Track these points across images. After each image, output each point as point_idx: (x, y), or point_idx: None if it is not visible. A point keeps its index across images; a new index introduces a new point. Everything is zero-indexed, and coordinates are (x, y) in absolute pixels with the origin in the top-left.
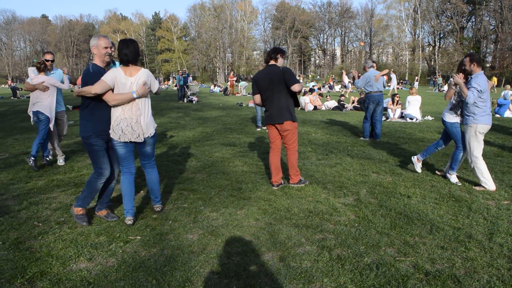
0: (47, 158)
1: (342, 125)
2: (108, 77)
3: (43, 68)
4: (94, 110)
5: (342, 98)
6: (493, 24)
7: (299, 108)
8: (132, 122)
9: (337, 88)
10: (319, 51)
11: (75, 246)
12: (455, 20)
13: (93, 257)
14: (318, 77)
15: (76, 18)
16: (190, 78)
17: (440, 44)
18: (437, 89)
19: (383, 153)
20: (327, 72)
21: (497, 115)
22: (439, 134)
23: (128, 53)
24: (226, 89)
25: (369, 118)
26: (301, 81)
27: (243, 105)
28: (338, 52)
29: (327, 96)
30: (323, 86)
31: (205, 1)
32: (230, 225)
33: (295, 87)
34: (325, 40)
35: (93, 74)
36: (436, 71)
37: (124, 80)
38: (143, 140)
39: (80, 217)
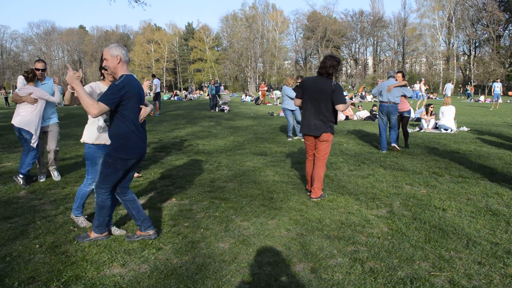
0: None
1: (375, 136)
2: None
3: (31, 77)
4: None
5: (374, 108)
6: None
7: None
8: None
9: (369, 98)
10: (351, 61)
11: (109, 252)
12: (491, 28)
13: (126, 263)
14: (350, 86)
15: (112, 28)
16: (222, 87)
17: (475, 53)
18: (472, 99)
19: (417, 165)
20: (359, 81)
21: None
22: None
23: None
24: (257, 98)
25: (382, 129)
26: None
27: (274, 114)
28: (370, 62)
29: (359, 106)
30: (355, 96)
31: (237, 11)
32: (261, 235)
33: (339, 107)
34: (357, 50)
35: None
36: (471, 81)
37: None
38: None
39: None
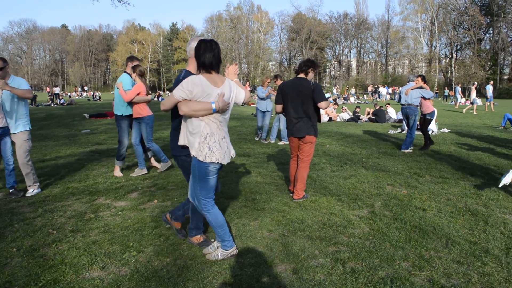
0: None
1: (357, 137)
2: (186, 90)
3: None
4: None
5: (357, 109)
6: (511, 36)
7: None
8: (219, 138)
9: (352, 99)
10: (335, 62)
11: (89, 255)
12: (473, 32)
13: (106, 265)
14: (334, 89)
15: (95, 28)
16: None
17: (457, 56)
18: (453, 102)
19: (398, 166)
20: (343, 83)
21: None
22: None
23: (212, 57)
24: None
25: (407, 129)
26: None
27: None
28: (353, 64)
29: (342, 107)
30: (338, 97)
31: (222, 12)
32: (243, 236)
33: (321, 104)
34: (340, 52)
35: None
36: (453, 83)
37: (210, 90)
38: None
39: (203, 243)
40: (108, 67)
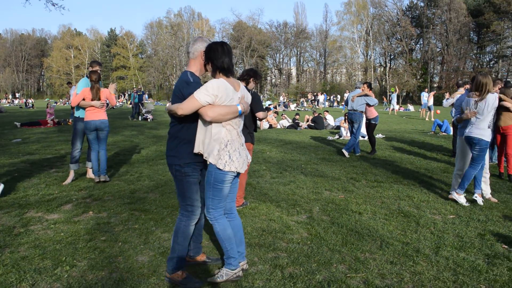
0: None
1: (297, 144)
2: (211, 94)
3: None
4: (193, 130)
5: (297, 116)
6: (439, 47)
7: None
8: (239, 146)
9: (292, 107)
10: (275, 71)
11: (17, 271)
12: (405, 42)
13: (36, 282)
14: (281, 97)
15: (28, 32)
16: (146, 95)
17: (390, 65)
18: (388, 108)
19: (336, 171)
20: (283, 91)
21: (444, 133)
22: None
23: (229, 61)
24: None
25: (353, 134)
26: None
27: None
28: (293, 72)
29: (282, 114)
30: (279, 105)
31: (162, 18)
32: None
33: (259, 114)
34: (281, 60)
35: (196, 85)
36: (387, 91)
37: (232, 95)
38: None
39: (186, 281)
40: (42, 73)
